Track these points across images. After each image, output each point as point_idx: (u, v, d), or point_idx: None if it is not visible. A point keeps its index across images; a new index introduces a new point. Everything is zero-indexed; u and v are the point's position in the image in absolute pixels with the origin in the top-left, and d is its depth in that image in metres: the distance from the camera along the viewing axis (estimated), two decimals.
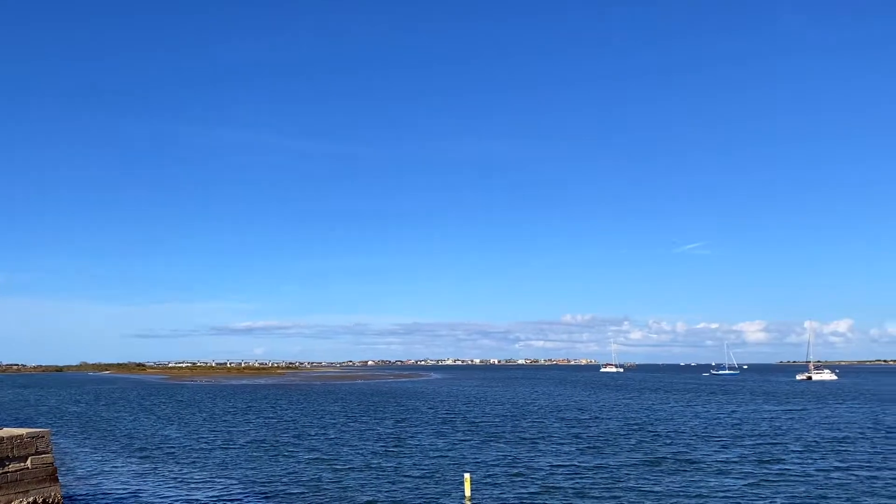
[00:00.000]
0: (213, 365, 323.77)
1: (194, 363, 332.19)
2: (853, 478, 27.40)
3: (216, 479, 28.06)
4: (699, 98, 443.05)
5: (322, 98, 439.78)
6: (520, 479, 27.52)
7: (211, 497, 24.85)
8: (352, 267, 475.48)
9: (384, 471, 29.58)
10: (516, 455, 33.58)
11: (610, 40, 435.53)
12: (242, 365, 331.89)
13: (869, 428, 46.38)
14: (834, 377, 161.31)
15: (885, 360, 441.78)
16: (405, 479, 27.80)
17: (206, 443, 39.69)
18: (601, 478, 27.52)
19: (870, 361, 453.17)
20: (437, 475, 28.47)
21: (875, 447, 36.35)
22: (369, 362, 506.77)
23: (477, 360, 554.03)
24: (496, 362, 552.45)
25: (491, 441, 39.12)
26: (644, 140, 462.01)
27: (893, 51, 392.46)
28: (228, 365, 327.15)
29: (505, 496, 24.42)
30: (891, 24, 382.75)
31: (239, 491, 25.85)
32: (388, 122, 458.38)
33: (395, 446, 37.21)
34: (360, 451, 35.28)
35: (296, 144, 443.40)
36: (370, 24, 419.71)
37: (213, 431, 45.64)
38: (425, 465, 31.13)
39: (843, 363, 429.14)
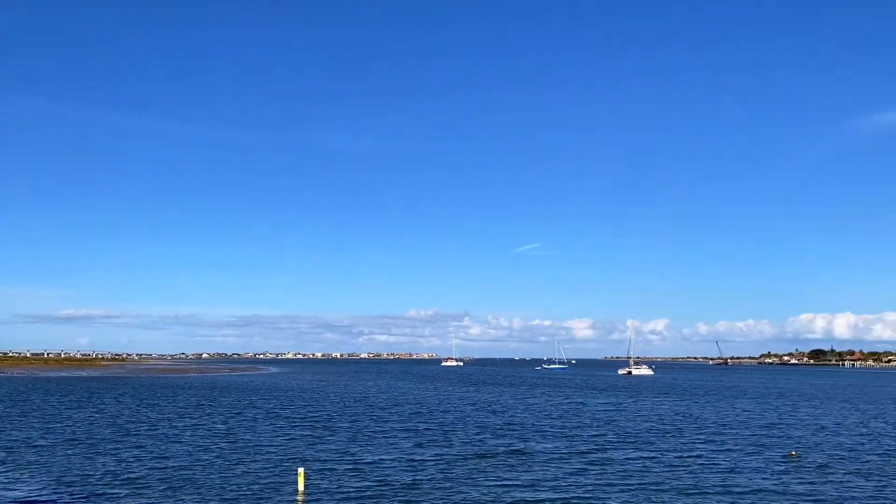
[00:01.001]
0: (28, 355, 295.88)
1: (5, 353, 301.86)
2: (665, 465, 29.83)
3: (24, 481, 25.68)
4: (550, 105, 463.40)
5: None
6: (355, 472, 27.47)
7: (18, 499, 22.72)
8: (186, 255, 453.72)
9: (215, 467, 28.43)
10: (353, 449, 33.49)
11: (473, 44, 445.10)
12: (63, 356, 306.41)
13: (679, 418, 50.74)
14: (650, 372, 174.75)
15: (694, 357, 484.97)
16: (237, 474, 26.87)
17: (8, 440, 36.11)
18: (436, 470, 28.06)
19: (682, 358, 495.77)
20: (271, 470, 27.77)
21: (683, 436, 39.78)
22: (204, 355, 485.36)
23: (319, 354, 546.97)
24: (338, 356, 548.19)
25: (328, 435, 38.76)
26: (494, 144, 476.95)
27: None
28: (46, 356, 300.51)
29: (339, 490, 24.29)
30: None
31: (50, 493, 23.81)
32: (259, 109, 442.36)
33: (229, 442, 35.89)
34: (190, 448, 33.68)
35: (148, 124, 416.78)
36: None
37: (20, 428, 41.61)
38: (259, 460, 30.27)
39: (659, 359, 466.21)
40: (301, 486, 24.27)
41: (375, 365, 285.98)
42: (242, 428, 42.12)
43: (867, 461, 31.52)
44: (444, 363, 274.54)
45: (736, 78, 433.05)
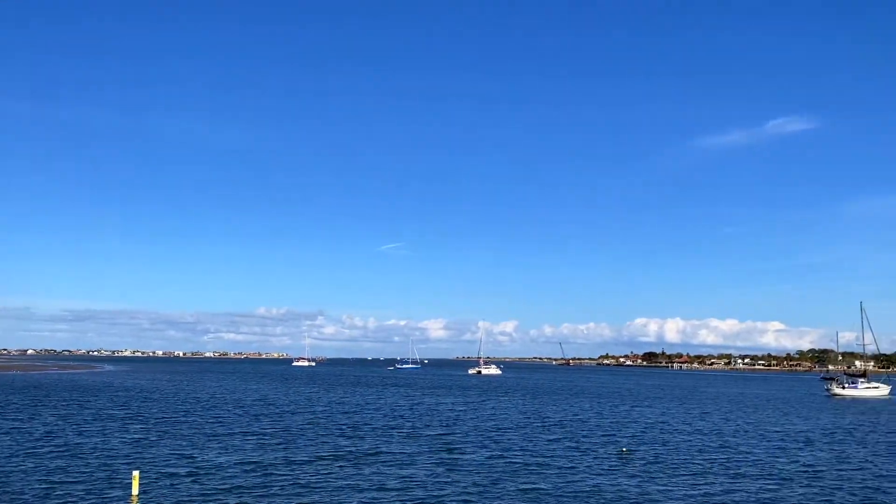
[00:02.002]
0: None
1: None
2: (511, 462, 30.66)
3: None
4: (410, 104, 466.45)
5: None
6: (195, 476, 26.06)
7: None
8: (16, 242, 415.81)
9: (37, 472, 25.96)
10: (193, 452, 31.81)
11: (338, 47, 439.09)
12: None
13: (524, 417, 52.53)
14: (499, 372, 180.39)
15: (540, 358, 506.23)
16: (67, 479, 24.68)
17: None
18: (281, 473, 27.21)
19: (529, 358, 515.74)
20: (101, 474, 25.75)
21: (529, 435, 41.17)
22: (29, 351, 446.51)
23: (160, 353, 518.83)
24: (181, 355, 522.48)
25: (167, 437, 36.60)
26: (363, 141, 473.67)
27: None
28: None
29: (177, 494, 22.92)
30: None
31: None
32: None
33: (57, 445, 32.96)
34: (12, 452, 30.59)
35: None
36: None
37: None
38: (91, 463, 28.01)
39: (507, 359, 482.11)
40: (135, 491, 22.70)
41: (222, 364, 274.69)
42: (70, 430, 38.89)
43: (691, 457, 34.01)
44: (295, 363, 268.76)
45: (596, 88, 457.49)
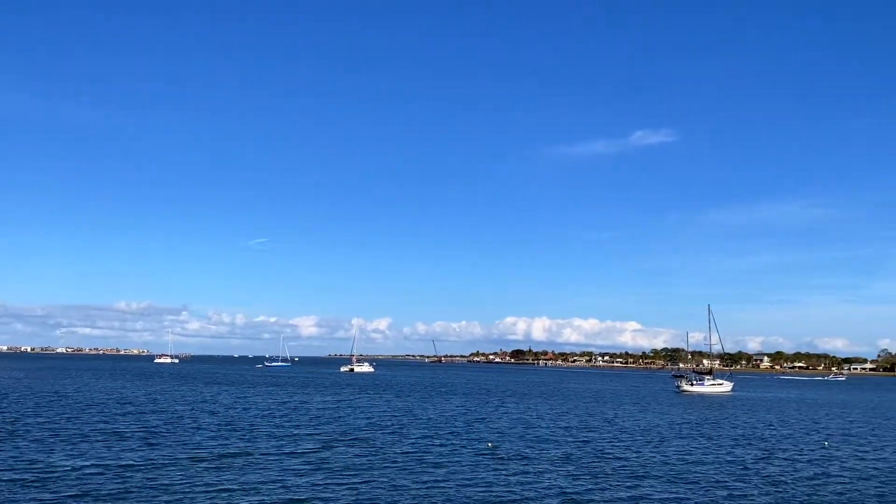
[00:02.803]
0: None
1: None
2: (383, 460, 30.75)
3: None
4: (288, 102, 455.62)
5: None
6: (45, 482, 24.31)
7: None
8: None
9: None
10: (43, 455, 29.66)
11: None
12: None
13: (397, 414, 52.79)
14: (371, 369, 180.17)
15: (413, 355, 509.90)
16: None
17: None
18: (142, 477, 25.88)
19: (402, 356, 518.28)
20: None
21: (401, 432, 41.43)
22: None
23: (4, 348, 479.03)
24: (29, 350, 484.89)
25: (11, 440, 33.83)
26: (231, 133, 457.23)
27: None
28: None
29: (24, 502, 21.35)
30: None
31: None
32: None
33: None
34: None
35: None
36: None
37: None
38: None
39: (381, 357, 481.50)
40: None
41: (76, 361, 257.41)
42: None
43: (556, 451, 35.47)
44: (157, 360, 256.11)
45: (474, 92, 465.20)
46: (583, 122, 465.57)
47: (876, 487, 27.88)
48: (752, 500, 24.89)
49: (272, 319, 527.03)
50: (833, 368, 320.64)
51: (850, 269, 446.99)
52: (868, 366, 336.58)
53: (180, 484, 24.68)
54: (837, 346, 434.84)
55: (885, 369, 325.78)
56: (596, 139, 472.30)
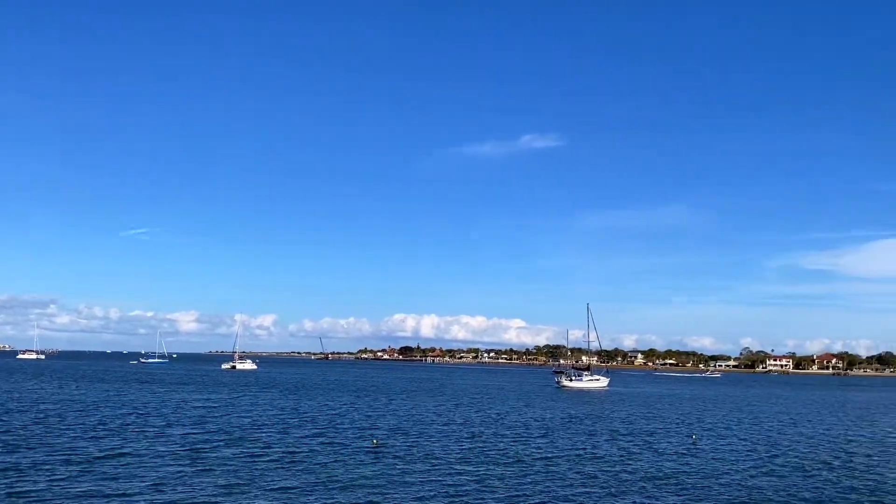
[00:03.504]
0: None
1: None
2: (268, 461, 30.03)
3: None
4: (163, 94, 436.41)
5: None
6: None
7: None
8: None
9: None
10: None
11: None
12: None
13: (282, 413, 51.69)
14: (255, 366, 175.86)
15: (299, 352, 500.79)
16: None
17: None
18: (0, 484, 24.10)
19: (287, 353, 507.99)
20: None
21: (286, 431, 40.60)
22: None
23: None
24: None
25: None
26: (107, 118, 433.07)
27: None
28: None
29: None
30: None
31: None
32: None
33: None
34: None
35: None
36: None
37: None
38: None
39: (265, 354, 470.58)
40: None
41: None
42: None
43: (443, 446, 35.84)
44: (20, 356, 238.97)
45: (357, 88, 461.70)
46: (474, 124, 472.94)
47: (735, 480, 29.90)
48: (626, 489, 26.12)
49: (149, 314, 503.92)
50: (700, 365, 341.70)
51: (716, 273, 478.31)
52: (731, 363, 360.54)
53: (46, 490, 23.13)
54: (705, 344, 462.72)
55: (745, 366, 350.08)
56: (486, 141, 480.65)
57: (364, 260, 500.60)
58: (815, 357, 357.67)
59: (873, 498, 26.28)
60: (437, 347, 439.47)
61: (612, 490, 26.08)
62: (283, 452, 32.33)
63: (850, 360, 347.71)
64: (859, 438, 46.76)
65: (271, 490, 24.23)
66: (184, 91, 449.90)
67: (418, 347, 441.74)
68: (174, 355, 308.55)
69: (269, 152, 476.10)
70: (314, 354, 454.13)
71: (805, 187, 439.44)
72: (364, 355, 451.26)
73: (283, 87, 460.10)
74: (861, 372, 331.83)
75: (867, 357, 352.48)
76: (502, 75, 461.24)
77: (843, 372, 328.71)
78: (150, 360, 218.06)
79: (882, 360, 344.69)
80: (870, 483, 29.23)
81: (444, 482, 26.51)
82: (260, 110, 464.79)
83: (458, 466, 29.96)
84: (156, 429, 39.65)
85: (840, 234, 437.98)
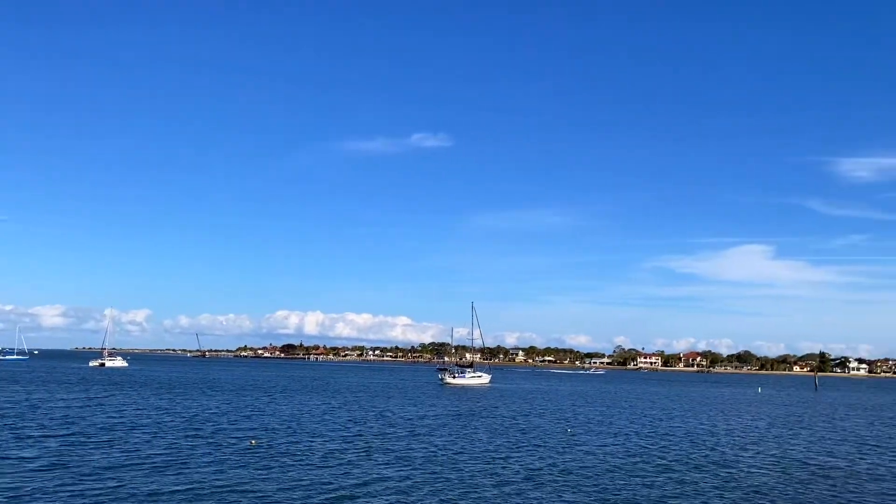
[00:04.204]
0: None
1: None
2: (139, 462, 28.47)
3: None
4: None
5: None
6: None
7: None
8: None
9: None
10: None
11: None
12: None
13: (155, 413, 49.26)
14: (125, 364, 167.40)
15: (174, 349, 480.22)
16: None
17: None
18: None
19: (161, 350, 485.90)
20: None
21: (159, 433, 38.71)
22: None
23: None
24: None
25: None
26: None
27: None
28: None
29: None
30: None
31: None
32: None
33: None
34: None
35: None
36: None
37: None
38: None
39: (137, 350, 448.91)
40: None
41: None
42: None
43: (324, 446, 35.28)
44: None
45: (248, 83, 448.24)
46: (366, 120, 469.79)
47: (608, 472, 31.20)
48: (504, 483, 26.64)
49: (8, 307, 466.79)
50: (577, 362, 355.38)
51: (595, 274, 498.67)
52: (605, 360, 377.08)
53: None
54: (581, 341, 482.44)
55: (618, 363, 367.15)
56: (377, 137, 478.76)
57: (246, 254, 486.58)
58: (681, 355, 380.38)
59: (731, 485, 28.12)
60: (322, 345, 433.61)
61: (491, 484, 26.52)
62: (155, 454, 30.78)
63: (713, 359, 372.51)
64: (720, 432, 49.97)
65: (140, 495, 22.96)
66: (46, 71, 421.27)
67: (301, 345, 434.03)
68: (35, 351, 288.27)
69: (143, 139, 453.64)
70: (190, 352, 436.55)
71: (675, 195, 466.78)
72: (244, 353, 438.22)
73: (164, 78, 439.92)
74: (722, 369, 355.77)
75: (728, 355, 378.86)
76: (395, 73, 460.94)
77: (706, 369, 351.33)
78: (6, 357, 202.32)
79: (741, 358, 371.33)
80: (731, 471, 31.25)
81: (324, 483, 26.06)
82: (133, 100, 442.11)
83: (340, 466, 29.55)
84: (12, 431, 36.73)
85: (706, 240, 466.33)
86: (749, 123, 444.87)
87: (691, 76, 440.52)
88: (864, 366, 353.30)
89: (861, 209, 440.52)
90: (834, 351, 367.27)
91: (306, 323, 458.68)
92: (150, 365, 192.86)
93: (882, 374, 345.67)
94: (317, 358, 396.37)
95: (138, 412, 49.75)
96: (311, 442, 36.44)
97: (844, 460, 36.67)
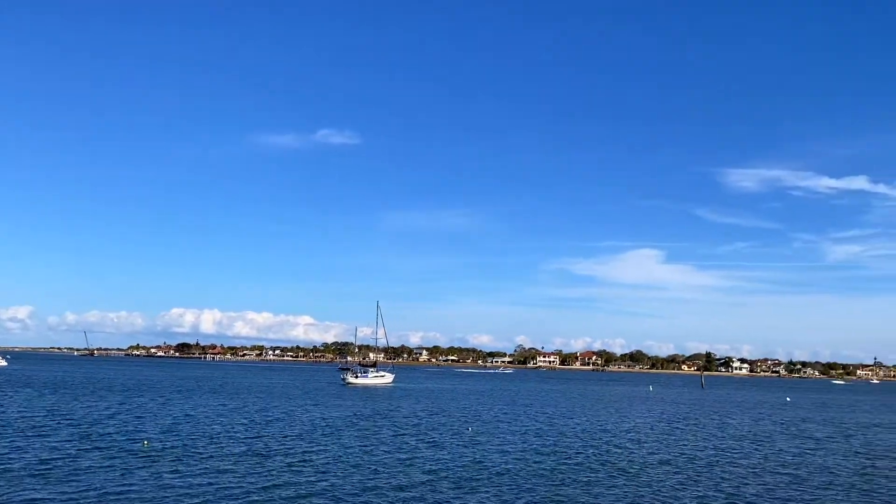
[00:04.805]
0: None
1: None
2: (14, 469, 26.71)
3: None
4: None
5: None
6: None
7: None
8: None
9: None
10: None
11: None
12: None
13: (48, 416, 46.34)
14: (4, 363, 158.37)
15: (59, 348, 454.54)
16: None
17: None
18: None
19: (45, 348, 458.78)
20: None
21: (49, 435, 36.49)
22: None
23: None
24: None
25: None
26: None
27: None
28: None
29: None
30: None
31: None
32: None
33: None
34: None
35: None
36: None
37: None
38: None
39: (18, 349, 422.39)
40: None
41: None
42: None
43: (221, 448, 34.18)
44: None
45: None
46: (272, 114, 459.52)
47: (507, 469, 31.71)
48: (405, 483, 26.63)
49: None
50: (479, 361, 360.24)
51: (498, 275, 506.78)
52: (507, 359, 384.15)
53: None
54: (483, 341, 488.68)
55: (519, 362, 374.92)
56: (285, 132, 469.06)
57: (139, 249, 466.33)
58: (578, 354, 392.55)
59: (623, 477, 29.17)
60: (219, 344, 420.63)
61: (390, 487, 26.43)
62: (38, 459, 28.95)
63: (608, 358, 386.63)
64: (616, 430, 51.79)
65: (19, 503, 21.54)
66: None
67: (197, 344, 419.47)
68: None
69: (23, 127, 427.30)
70: (77, 350, 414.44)
71: (576, 198, 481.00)
72: (136, 352, 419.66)
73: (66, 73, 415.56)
74: (616, 368, 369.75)
75: (621, 355, 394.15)
76: (304, 66, 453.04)
77: (601, 368, 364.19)
78: None
79: (633, 357, 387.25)
80: (625, 467, 32.43)
81: (220, 486, 25.23)
82: (32, 94, 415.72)
83: (236, 469, 28.70)
84: None
85: (602, 243, 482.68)
86: (647, 132, 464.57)
87: (599, 83, 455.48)
88: (745, 365, 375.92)
89: (745, 218, 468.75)
90: (719, 351, 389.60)
91: (203, 321, 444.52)
92: (32, 364, 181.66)
93: (762, 373, 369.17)
94: (214, 358, 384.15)
95: (19, 414, 46.65)
96: (207, 444, 35.23)
97: (732, 455, 38.77)
